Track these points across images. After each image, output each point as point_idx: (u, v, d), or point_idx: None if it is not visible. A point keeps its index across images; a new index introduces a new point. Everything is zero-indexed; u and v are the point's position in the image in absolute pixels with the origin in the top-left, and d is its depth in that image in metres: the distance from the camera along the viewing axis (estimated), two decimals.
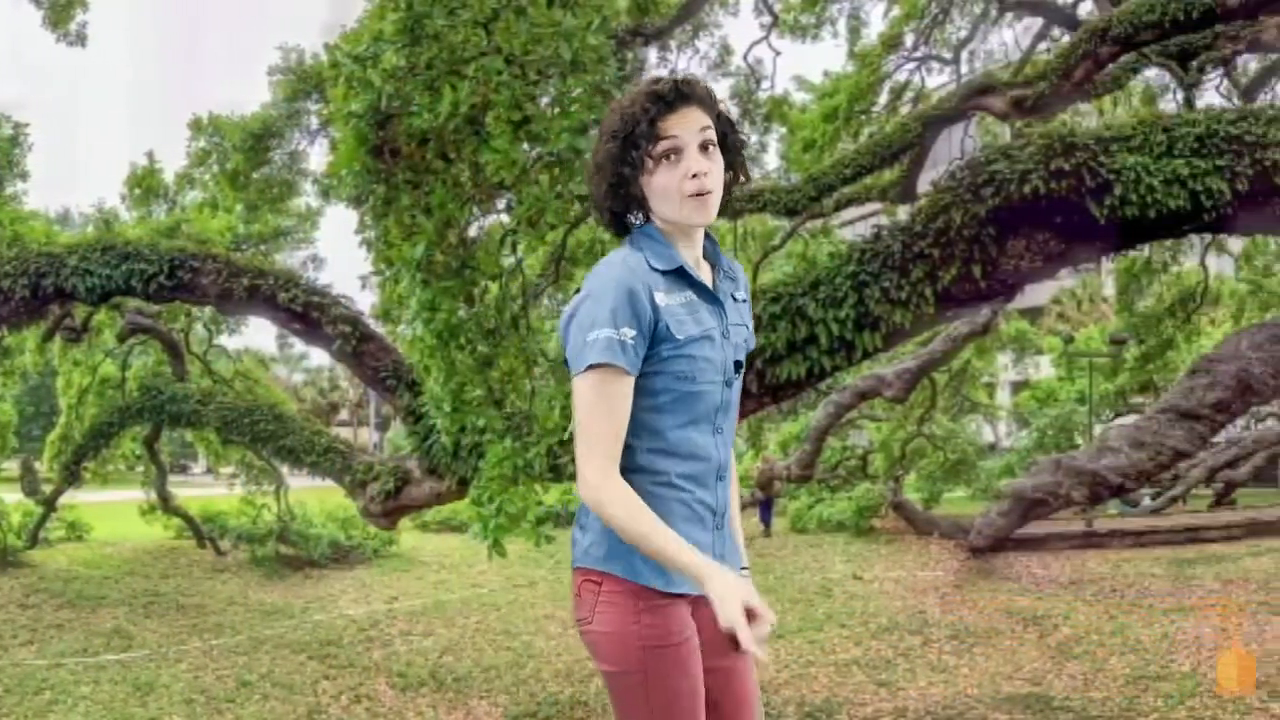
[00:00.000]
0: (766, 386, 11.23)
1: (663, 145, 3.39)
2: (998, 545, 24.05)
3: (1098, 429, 30.46)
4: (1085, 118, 28.58)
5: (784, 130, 30.12)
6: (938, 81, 34.41)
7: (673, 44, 26.23)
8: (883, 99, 29.07)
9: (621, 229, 3.63)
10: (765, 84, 29.58)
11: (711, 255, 3.70)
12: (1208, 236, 24.83)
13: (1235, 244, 31.24)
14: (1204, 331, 34.21)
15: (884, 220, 21.98)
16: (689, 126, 3.41)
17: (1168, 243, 26.39)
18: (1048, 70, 19.36)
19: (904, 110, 28.37)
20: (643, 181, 3.46)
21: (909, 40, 28.29)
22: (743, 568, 3.87)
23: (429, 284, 9.03)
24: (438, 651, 15.83)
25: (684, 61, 27.41)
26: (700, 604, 3.46)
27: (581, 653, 15.45)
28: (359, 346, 14.09)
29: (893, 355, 26.80)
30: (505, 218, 10.03)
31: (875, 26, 40.32)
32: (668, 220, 3.50)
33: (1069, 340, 41.39)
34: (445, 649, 16.01)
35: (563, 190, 8.73)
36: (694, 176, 3.39)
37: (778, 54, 32.78)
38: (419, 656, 15.51)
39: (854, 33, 28.53)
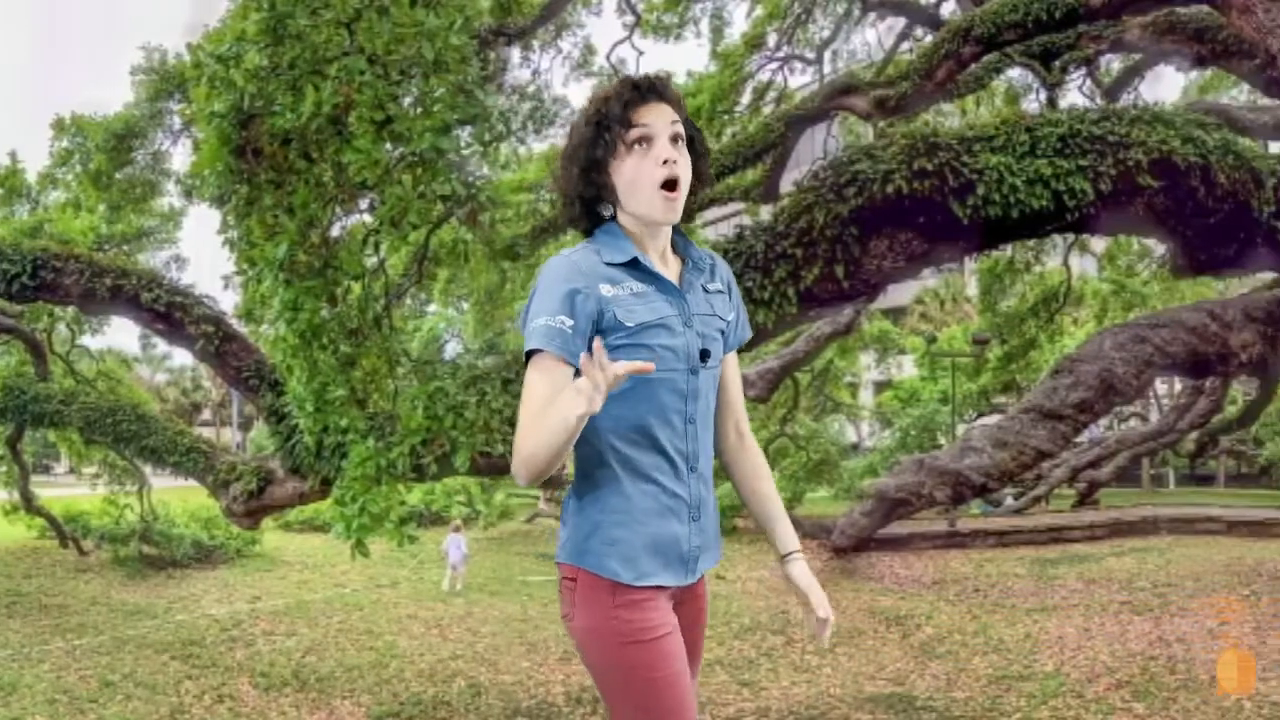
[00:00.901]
0: None
1: (635, 131, 3.51)
2: (861, 545, 24.16)
3: (960, 429, 30.75)
4: (948, 118, 28.88)
5: None
6: (800, 81, 34.63)
7: (536, 44, 26.21)
8: (745, 99, 29.20)
9: (593, 221, 3.72)
10: None
11: (681, 248, 3.79)
12: (1071, 236, 25.07)
13: (1098, 244, 31.62)
14: (1067, 331, 34.60)
15: (747, 220, 22.09)
16: (661, 117, 3.54)
17: (1031, 243, 26.66)
18: (910, 70, 19.46)
19: (767, 110, 28.47)
20: (613, 168, 3.57)
21: (772, 40, 28.41)
22: (790, 552, 3.97)
23: (291, 284, 9.00)
24: (301, 651, 15.75)
25: (547, 61, 27.39)
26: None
27: (444, 652, 15.47)
28: (221, 346, 14.01)
29: (755, 355, 26.86)
30: (368, 218, 10.01)
31: (738, 26, 40.51)
32: (634, 214, 3.61)
33: (932, 340, 41.78)
34: (308, 649, 15.93)
35: (425, 190, 8.73)
36: (665, 163, 3.50)
37: (641, 54, 32.71)
38: (282, 656, 15.43)
39: (716, 33, 28.62)
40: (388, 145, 8.69)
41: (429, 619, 18.19)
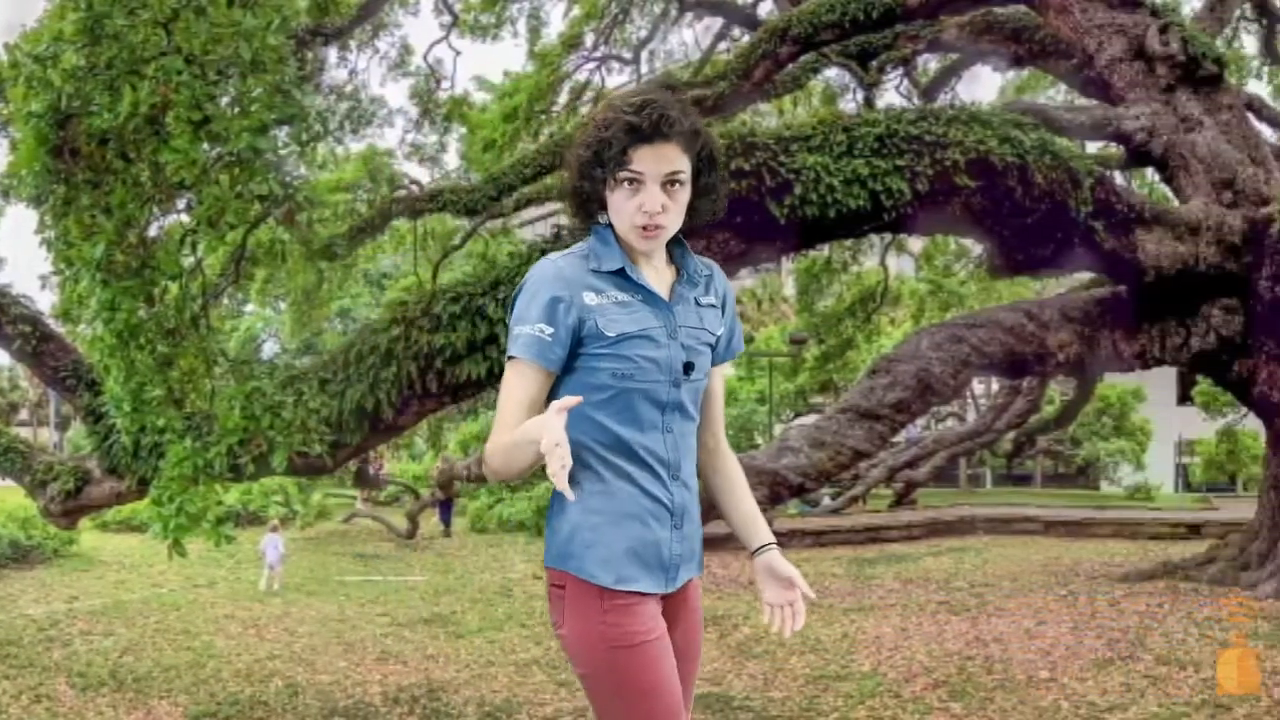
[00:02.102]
0: (446, 386, 11.26)
1: (625, 174, 3.44)
2: None
3: (778, 429, 31.04)
4: (765, 118, 29.00)
5: (464, 130, 30.11)
6: (618, 81, 34.67)
7: (353, 44, 26.09)
8: (563, 99, 29.26)
9: (590, 219, 3.70)
10: (445, 84, 29.51)
11: (679, 259, 3.76)
12: (888, 236, 25.34)
13: (916, 244, 31.95)
14: (884, 331, 35.05)
15: (563, 220, 22.16)
16: (657, 164, 3.45)
17: (848, 242, 26.91)
18: (728, 70, 19.58)
19: (584, 110, 28.57)
20: (605, 193, 3.53)
21: (589, 40, 28.53)
22: (768, 543, 3.90)
23: (109, 284, 8.97)
24: (118, 651, 15.58)
25: (364, 61, 27.31)
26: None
27: (261, 652, 15.38)
28: (38, 346, 13.85)
29: None
30: (185, 217, 9.96)
31: (555, 26, 40.61)
32: (619, 234, 3.58)
33: (749, 340, 41.96)
34: (125, 649, 15.76)
35: (243, 190, 8.73)
36: (645, 212, 3.45)
37: (458, 54, 32.82)
38: (99, 656, 15.25)
39: (534, 32, 28.65)
40: (205, 145, 8.68)
41: (246, 619, 18.06)
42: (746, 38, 23.63)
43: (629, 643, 3.48)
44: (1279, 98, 29.85)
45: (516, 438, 3.28)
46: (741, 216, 11.36)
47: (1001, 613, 15.36)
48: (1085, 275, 19.47)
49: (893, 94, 26.72)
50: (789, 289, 46.24)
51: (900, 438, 26.90)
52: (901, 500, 35.77)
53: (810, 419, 22.46)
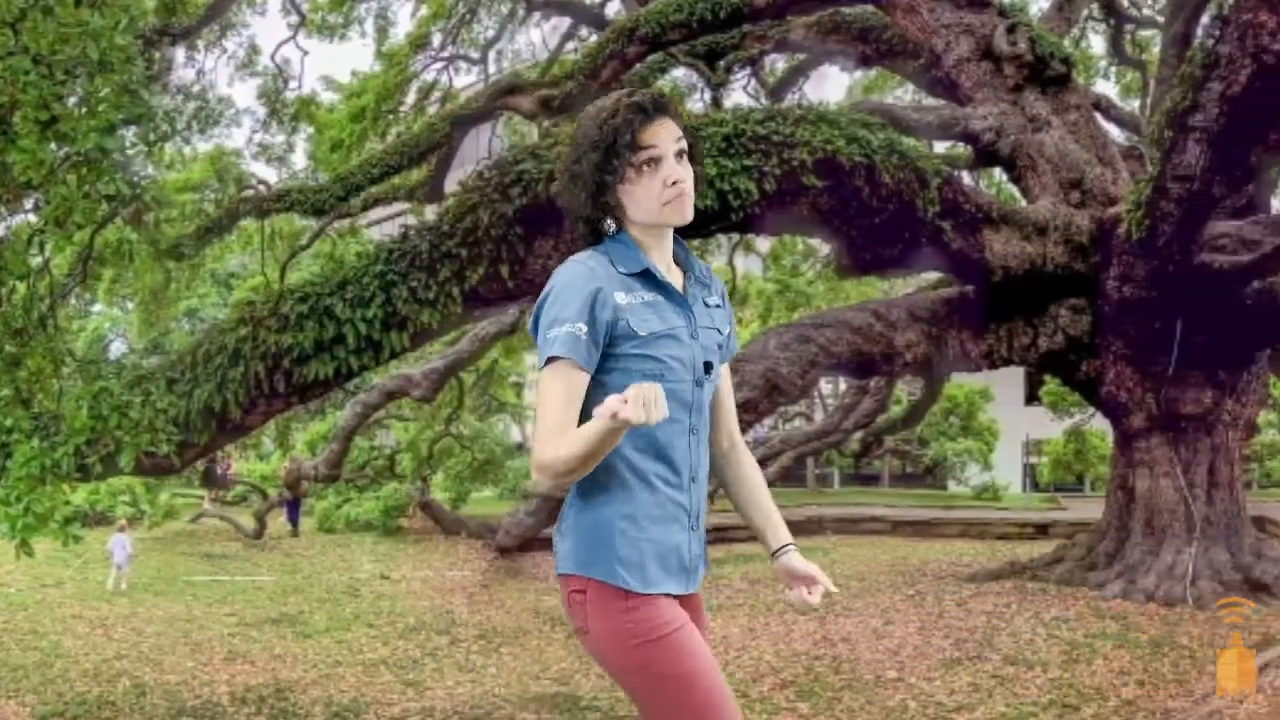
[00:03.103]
0: (294, 386, 11.20)
1: (644, 154, 3.51)
2: (526, 545, 24.21)
3: None
4: None
5: (312, 130, 30.00)
6: (465, 81, 34.77)
7: (200, 44, 25.93)
8: (410, 99, 29.27)
9: (596, 237, 3.70)
10: (293, 84, 29.44)
11: (684, 261, 3.81)
12: (736, 236, 25.55)
13: (763, 244, 32.15)
14: None
15: (412, 220, 22.16)
16: (667, 137, 3.55)
17: (695, 242, 27.05)
18: (575, 70, 19.66)
19: (432, 110, 28.65)
20: (620, 189, 3.57)
21: (436, 40, 28.58)
22: (787, 544, 4.02)
23: None
24: None
25: (212, 61, 27.21)
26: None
27: (109, 652, 15.26)
28: None
29: (420, 355, 26.96)
30: (33, 217, 9.93)
31: (403, 26, 40.49)
32: (643, 223, 3.62)
33: None
34: None
35: (91, 190, 8.72)
36: (674, 183, 3.52)
37: (305, 54, 32.75)
38: None
39: (382, 33, 28.65)
40: (53, 145, 8.65)
41: (94, 619, 17.85)
42: (594, 37, 23.73)
43: (656, 635, 3.51)
44: (1127, 97, 30.41)
45: (590, 430, 3.19)
46: None
47: (849, 613, 15.33)
48: (933, 275, 19.71)
49: (740, 94, 26.92)
50: None
51: (748, 437, 27.02)
52: None
53: None
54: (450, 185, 21.87)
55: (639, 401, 3.00)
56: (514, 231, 11.14)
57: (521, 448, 45.21)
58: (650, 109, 3.53)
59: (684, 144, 3.59)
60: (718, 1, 17.00)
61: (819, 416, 39.33)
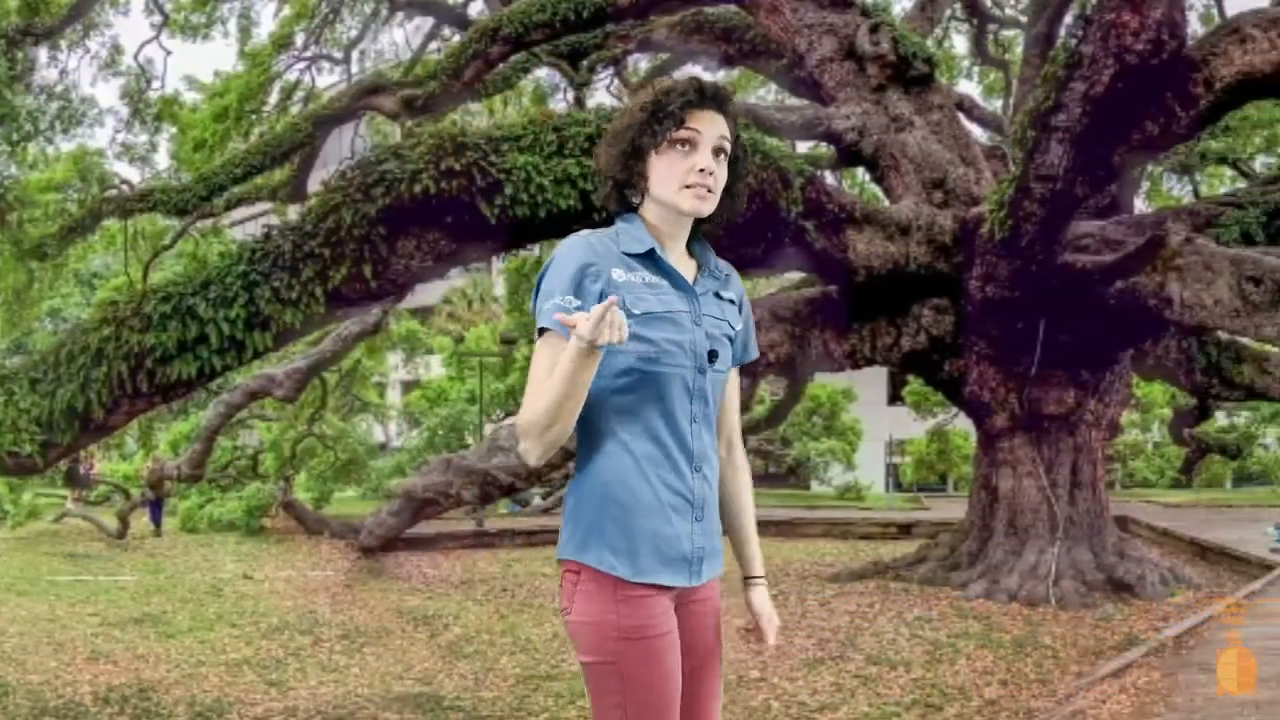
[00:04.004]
0: (157, 386, 11.19)
1: (683, 133, 3.51)
2: (389, 545, 24.11)
3: (488, 428, 31.10)
4: (476, 117, 29.16)
5: (175, 130, 29.84)
6: (328, 81, 34.76)
7: (64, 43, 25.72)
8: (273, 99, 29.20)
9: (621, 203, 3.73)
10: (156, 84, 29.28)
11: (699, 255, 3.79)
12: None
13: None
14: None
15: (275, 220, 22.14)
16: (712, 126, 3.55)
17: (558, 241, 27.23)
18: (438, 70, 19.70)
19: (295, 110, 28.60)
20: (652, 159, 3.57)
21: (300, 40, 28.53)
22: (758, 577, 4.01)
23: None
24: None
25: (75, 61, 27.01)
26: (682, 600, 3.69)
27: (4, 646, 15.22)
28: None
29: (284, 355, 26.81)
30: None
31: (266, 26, 40.38)
32: (661, 202, 3.61)
33: (459, 340, 41.94)
34: None
35: None
36: (700, 171, 3.51)
37: (169, 54, 32.31)
38: None
39: (245, 32, 28.57)
40: None
41: None
42: (457, 38, 23.81)
43: (638, 635, 3.51)
44: (990, 97, 30.90)
45: (557, 373, 3.21)
46: (452, 216, 11.49)
47: None
48: (796, 275, 19.88)
49: (603, 94, 27.14)
50: (499, 289, 46.21)
51: None
52: None
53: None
54: (313, 185, 21.88)
55: (597, 318, 3.03)
56: (377, 231, 11.24)
57: (385, 448, 45.05)
58: (706, 96, 3.57)
59: (726, 144, 3.61)
60: (580, 1, 17.08)
61: None
